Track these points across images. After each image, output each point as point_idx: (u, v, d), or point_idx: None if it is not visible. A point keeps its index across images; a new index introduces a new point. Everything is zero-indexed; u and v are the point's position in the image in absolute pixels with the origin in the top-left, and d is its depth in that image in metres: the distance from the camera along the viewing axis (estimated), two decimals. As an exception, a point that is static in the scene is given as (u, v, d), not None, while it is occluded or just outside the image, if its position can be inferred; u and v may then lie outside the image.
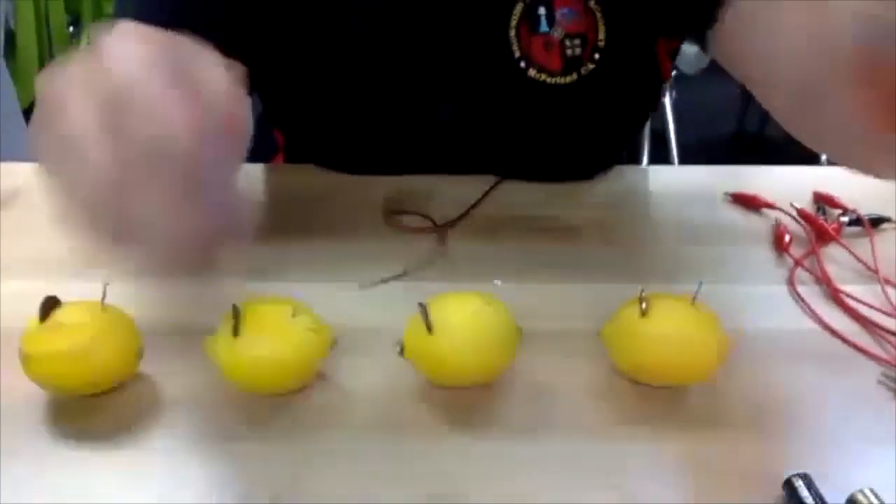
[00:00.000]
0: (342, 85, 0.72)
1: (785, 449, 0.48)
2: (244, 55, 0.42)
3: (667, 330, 0.50)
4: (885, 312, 0.59)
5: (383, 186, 0.74)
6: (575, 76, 0.68)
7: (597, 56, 0.68)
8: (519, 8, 0.67)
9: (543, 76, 0.67)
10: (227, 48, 0.41)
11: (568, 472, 0.46)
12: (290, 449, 0.48)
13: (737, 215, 0.73)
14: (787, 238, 0.68)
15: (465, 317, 0.50)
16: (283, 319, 0.49)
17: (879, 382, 0.53)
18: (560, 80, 0.68)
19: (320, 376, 0.52)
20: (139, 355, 0.51)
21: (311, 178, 0.64)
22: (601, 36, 0.67)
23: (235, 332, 0.48)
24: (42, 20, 2.18)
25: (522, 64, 0.67)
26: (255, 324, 0.48)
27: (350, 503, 0.45)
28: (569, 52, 0.67)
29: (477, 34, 0.68)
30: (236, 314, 0.48)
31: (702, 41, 0.63)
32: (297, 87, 0.75)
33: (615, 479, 0.46)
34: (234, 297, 0.50)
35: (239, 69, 0.40)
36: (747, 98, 3.15)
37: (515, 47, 0.67)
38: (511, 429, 0.49)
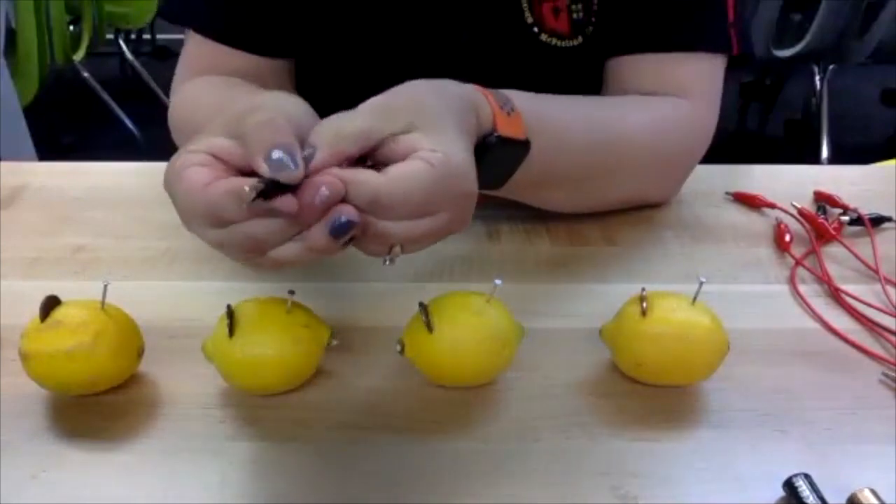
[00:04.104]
0: (368, 60, 0.76)
1: (785, 449, 0.48)
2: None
3: (667, 329, 0.50)
4: (885, 312, 0.59)
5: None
6: (580, 39, 0.74)
7: (593, 19, 0.73)
8: None
9: (554, 40, 0.73)
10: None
11: (568, 472, 0.46)
12: (290, 448, 0.48)
13: (738, 214, 0.73)
14: (787, 237, 0.68)
15: (465, 317, 0.50)
16: (277, 317, 0.49)
17: (880, 382, 0.53)
18: (568, 42, 0.74)
19: (320, 375, 0.52)
20: (139, 355, 0.51)
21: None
22: None
23: (230, 332, 0.48)
24: (42, 20, 2.19)
25: (535, 29, 0.73)
26: (249, 323, 0.48)
27: (349, 503, 0.45)
28: (574, 16, 0.72)
29: (494, 5, 0.73)
30: (230, 314, 0.48)
31: None
32: (320, 67, 0.78)
33: (615, 479, 0.46)
34: (234, 298, 0.50)
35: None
36: (747, 98, 3.16)
37: (528, 14, 0.72)
38: (511, 428, 0.49)
